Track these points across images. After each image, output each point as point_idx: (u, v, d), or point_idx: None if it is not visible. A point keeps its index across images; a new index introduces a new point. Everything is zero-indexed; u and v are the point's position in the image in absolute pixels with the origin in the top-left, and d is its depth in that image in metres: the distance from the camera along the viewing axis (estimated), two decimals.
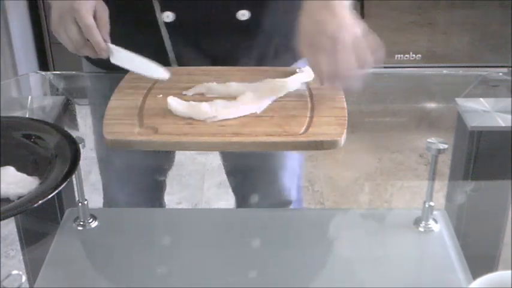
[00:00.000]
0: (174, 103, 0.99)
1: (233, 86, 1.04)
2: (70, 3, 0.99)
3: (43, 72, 1.30)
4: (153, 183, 1.38)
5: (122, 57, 1.02)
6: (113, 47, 1.02)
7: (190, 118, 0.97)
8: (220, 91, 1.04)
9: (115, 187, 1.36)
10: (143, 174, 1.34)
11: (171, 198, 2.29)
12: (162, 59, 1.09)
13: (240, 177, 1.36)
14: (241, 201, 1.39)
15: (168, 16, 1.09)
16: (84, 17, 0.98)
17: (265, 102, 1.00)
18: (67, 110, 1.20)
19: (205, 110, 0.97)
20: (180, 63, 1.15)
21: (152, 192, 1.41)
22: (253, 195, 1.34)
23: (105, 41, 1.01)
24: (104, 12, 1.02)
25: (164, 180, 1.40)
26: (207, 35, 1.08)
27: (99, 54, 1.00)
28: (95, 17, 1.00)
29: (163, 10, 1.09)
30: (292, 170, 1.31)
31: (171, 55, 1.14)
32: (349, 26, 0.93)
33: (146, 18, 1.10)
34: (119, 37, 1.05)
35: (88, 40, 1.00)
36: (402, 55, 2.64)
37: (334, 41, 0.92)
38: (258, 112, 0.99)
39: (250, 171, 1.31)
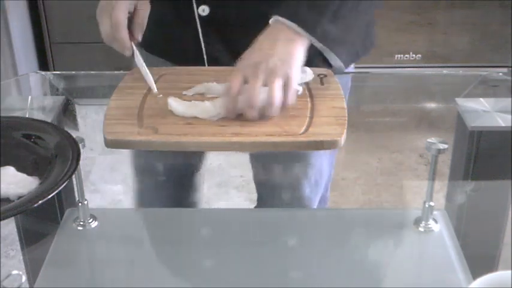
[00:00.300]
0: (174, 104, 0.99)
1: None
2: None
3: (43, 72, 1.30)
4: (179, 182, 1.39)
5: (137, 61, 1.06)
6: (135, 49, 1.04)
7: (192, 117, 0.97)
8: (220, 91, 1.04)
9: (145, 186, 1.39)
10: (170, 175, 1.36)
11: None
12: (195, 51, 1.12)
13: (265, 180, 1.37)
14: (263, 204, 1.40)
15: (204, 10, 1.10)
16: (116, 14, 1.01)
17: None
18: (67, 110, 1.20)
19: (208, 108, 0.97)
20: (212, 56, 1.15)
21: (180, 192, 1.41)
22: (274, 201, 1.35)
23: (134, 39, 1.03)
24: (144, 11, 1.04)
25: (191, 180, 1.41)
26: (240, 31, 1.08)
27: (123, 51, 1.03)
28: (133, 14, 1.03)
29: (199, 4, 1.10)
30: (315, 181, 1.31)
31: (205, 49, 1.14)
32: (276, 63, 0.94)
33: (184, 11, 1.11)
34: (157, 28, 1.08)
35: None
36: (402, 55, 2.64)
37: (250, 70, 0.95)
38: None
39: (274, 176, 1.32)
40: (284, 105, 0.96)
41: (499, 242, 1.12)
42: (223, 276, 0.98)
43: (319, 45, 1.01)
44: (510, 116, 1.10)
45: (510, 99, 1.16)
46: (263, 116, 0.95)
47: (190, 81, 1.07)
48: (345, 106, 1.00)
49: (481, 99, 1.15)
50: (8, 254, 1.87)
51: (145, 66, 1.05)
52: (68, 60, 2.57)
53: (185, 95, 1.04)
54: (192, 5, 1.11)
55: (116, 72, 1.20)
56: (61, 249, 1.02)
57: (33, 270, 1.04)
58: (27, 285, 0.98)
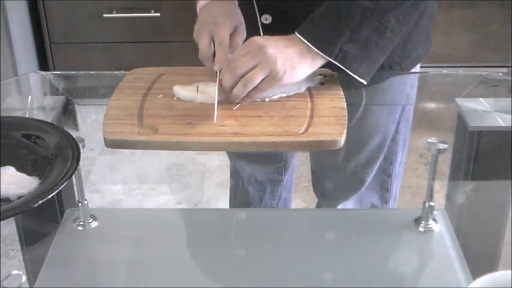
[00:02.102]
0: (181, 91, 1.00)
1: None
2: (214, 17, 1.06)
3: (43, 72, 1.30)
4: (270, 176, 1.48)
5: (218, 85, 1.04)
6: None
7: (194, 116, 0.97)
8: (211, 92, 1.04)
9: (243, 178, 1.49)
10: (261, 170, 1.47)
11: (171, 198, 2.29)
12: None
13: (322, 178, 1.42)
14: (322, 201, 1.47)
15: (266, 19, 1.15)
16: (221, 32, 1.04)
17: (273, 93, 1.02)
18: (67, 110, 1.20)
19: (213, 93, 0.99)
20: None
21: (271, 186, 1.49)
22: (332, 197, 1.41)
23: None
24: (241, 37, 1.09)
25: (280, 174, 1.48)
26: None
27: (216, 69, 1.04)
28: (231, 36, 1.07)
29: (261, 13, 1.15)
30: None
31: None
32: (277, 59, 0.97)
33: (249, 20, 1.15)
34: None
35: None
36: None
37: (256, 47, 0.98)
38: (267, 100, 1.02)
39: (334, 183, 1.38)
40: (249, 95, 0.99)
41: (499, 242, 1.12)
42: (223, 275, 0.98)
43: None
44: (510, 116, 1.10)
45: (510, 99, 1.16)
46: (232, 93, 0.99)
47: (190, 81, 1.07)
48: (345, 106, 1.00)
49: (481, 99, 1.15)
50: (8, 254, 1.87)
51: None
52: (68, 60, 2.56)
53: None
54: (256, 14, 1.15)
55: (116, 72, 1.20)
56: (61, 249, 1.02)
57: (33, 270, 1.04)
58: (27, 285, 0.98)
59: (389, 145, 1.29)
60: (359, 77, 1.03)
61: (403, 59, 1.17)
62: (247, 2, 1.14)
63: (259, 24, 1.15)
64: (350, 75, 1.03)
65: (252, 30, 1.16)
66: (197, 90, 1.03)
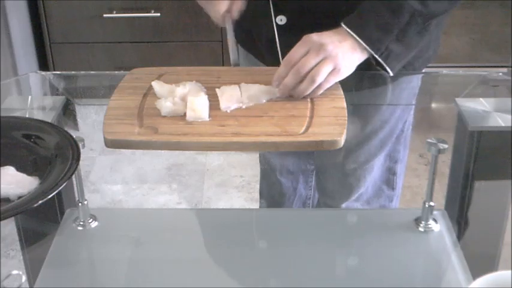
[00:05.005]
0: (157, 86, 1.02)
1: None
2: None
3: (43, 72, 1.30)
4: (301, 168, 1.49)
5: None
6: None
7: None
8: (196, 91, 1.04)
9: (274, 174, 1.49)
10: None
11: (171, 198, 2.29)
12: (273, 57, 1.18)
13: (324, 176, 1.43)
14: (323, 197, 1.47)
15: (281, 19, 1.15)
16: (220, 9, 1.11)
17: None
18: (67, 110, 1.20)
19: (195, 86, 1.02)
20: None
21: (304, 176, 1.50)
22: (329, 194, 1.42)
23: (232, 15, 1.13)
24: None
25: (312, 164, 1.49)
26: None
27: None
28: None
29: (276, 14, 1.15)
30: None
31: (281, 55, 1.17)
32: (338, 54, 1.00)
33: (264, 20, 1.17)
34: (242, 33, 1.20)
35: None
36: None
37: (315, 45, 1.00)
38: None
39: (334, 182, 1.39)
40: (314, 91, 1.01)
41: (499, 242, 1.12)
42: (223, 275, 0.98)
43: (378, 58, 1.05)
44: (510, 116, 1.10)
45: (510, 99, 1.16)
46: (297, 91, 1.01)
47: (189, 81, 1.07)
48: (345, 106, 1.00)
49: (481, 99, 1.15)
50: (8, 254, 1.87)
51: (233, 38, 1.11)
52: (68, 60, 2.56)
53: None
54: (271, 14, 1.15)
55: (116, 72, 1.20)
56: (61, 249, 1.02)
57: (33, 270, 1.04)
58: (27, 285, 0.98)
59: (394, 144, 1.30)
60: (392, 72, 1.06)
61: (416, 59, 1.17)
62: (262, 3, 1.15)
63: (274, 25, 1.16)
64: (381, 66, 1.05)
65: (267, 31, 1.17)
66: (175, 92, 1.02)
